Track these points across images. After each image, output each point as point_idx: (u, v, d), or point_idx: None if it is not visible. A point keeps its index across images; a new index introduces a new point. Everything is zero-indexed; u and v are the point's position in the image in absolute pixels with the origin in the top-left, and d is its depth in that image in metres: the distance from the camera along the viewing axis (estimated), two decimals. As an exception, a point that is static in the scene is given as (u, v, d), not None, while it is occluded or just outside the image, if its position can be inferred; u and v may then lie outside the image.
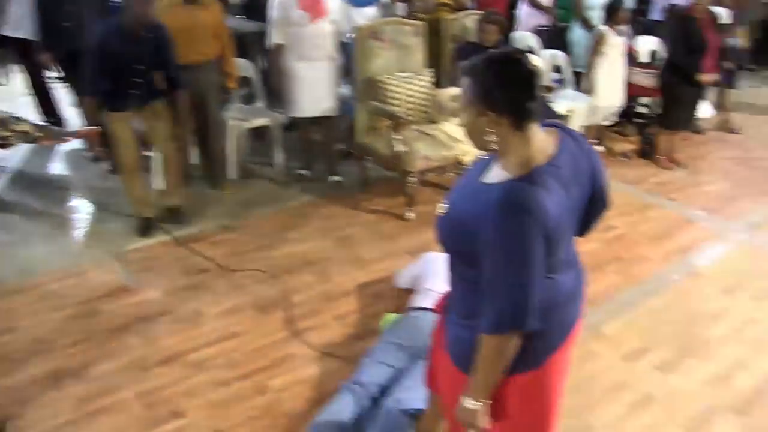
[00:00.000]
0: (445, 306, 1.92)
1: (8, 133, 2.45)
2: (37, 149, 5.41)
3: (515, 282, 1.53)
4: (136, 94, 3.87)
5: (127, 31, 3.70)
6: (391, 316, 3.19)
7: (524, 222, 1.49)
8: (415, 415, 2.49)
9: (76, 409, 2.77)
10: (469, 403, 1.71)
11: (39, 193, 4.72)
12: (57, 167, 5.18)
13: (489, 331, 1.59)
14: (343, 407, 2.57)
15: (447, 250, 1.74)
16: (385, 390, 2.65)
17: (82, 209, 4.53)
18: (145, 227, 4.16)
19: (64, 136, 2.81)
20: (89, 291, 3.58)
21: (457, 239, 1.67)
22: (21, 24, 5.05)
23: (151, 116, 4.03)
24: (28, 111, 5.49)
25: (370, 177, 4.82)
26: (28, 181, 4.94)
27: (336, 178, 4.86)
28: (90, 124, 3.83)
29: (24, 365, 3.01)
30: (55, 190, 4.77)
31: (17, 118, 2.49)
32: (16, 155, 5.28)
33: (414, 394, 2.54)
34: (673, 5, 6.34)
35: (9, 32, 5.31)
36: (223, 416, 2.73)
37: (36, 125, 2.53)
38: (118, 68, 3.75)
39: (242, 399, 2.82)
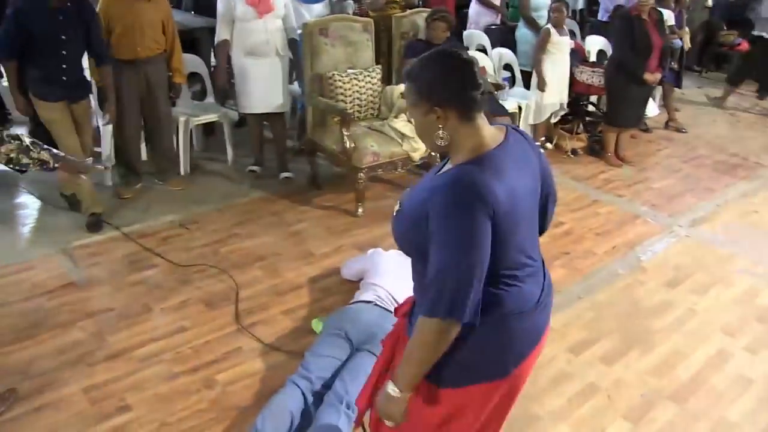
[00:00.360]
0: (408, 311, 1.87)
1: (29, 161, 2.44)
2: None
3: (458, 264, 1.48)
4: (64, 81, 3.88)
5: (50, 4, 3.72)
6: (319, 324, 3.22)
7: (470, 203, 1.47)
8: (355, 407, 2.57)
9: (16, 406, 2.75)
10: (392, 389, 1.65)
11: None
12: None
13: (424, 313, 1.54)
14: (290, 400, 2.62)
15: (404, 251, 1.71)
16: (328, 383, 2.71)
17: (28, 204, 4.48)
18: (95, 223, 4.14)
19: (82, 168, 2.78)
20: (34, 287, 3.56)
21: (410, 236, 1.65)
22: None
23: (80, 114, 4.04)
24: None
25: (320, 173, 4.87)
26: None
27: (287, 174, 4.91)
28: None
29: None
30: (1, 185, 4.70)
31: (37, 144, 2.47)
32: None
33: (354, 387, 2.60)
34: (619, 6, 6.53)
35: None
36: (170, 410, 2.75)
37: (55, 155, 2.52)
38: (44, 45, 3.76)
39: (190, 393, 2.85)
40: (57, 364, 2.99)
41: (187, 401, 2.80)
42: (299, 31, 4.68)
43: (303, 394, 2.65)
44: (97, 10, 4.10)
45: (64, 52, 3.84)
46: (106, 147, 4.68)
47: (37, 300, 3.45)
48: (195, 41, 5.63)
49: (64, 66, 3.86)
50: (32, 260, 3.80)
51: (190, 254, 3.89)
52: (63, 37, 3.80)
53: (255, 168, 4.98)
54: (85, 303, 3.44)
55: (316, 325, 3.24)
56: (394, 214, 1.73)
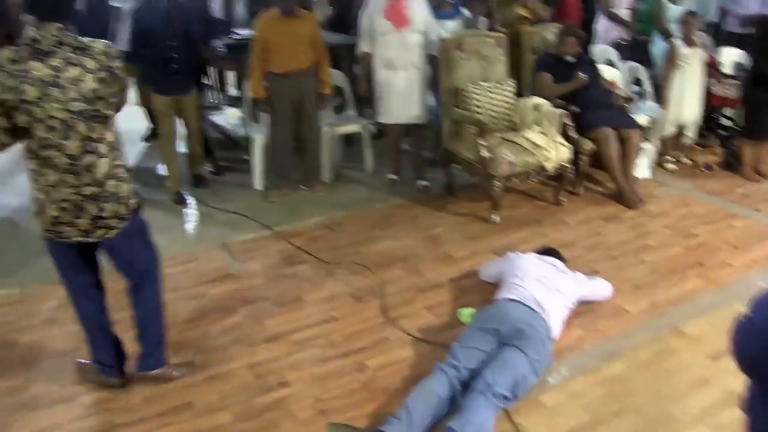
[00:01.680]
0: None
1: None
2: (150, 149, 5.94)
3: None
4: (173, 78, 4.62)
5: (164, 8, 4.49)
6: (466, 310, 3.44)
7: None
8: (503, 397, 2.69)
9: (193, 374, 3.07)
10: None
11: (154, 188, 5.14)
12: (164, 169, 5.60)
13: None
14: (438, 386, 2.78)
15: (752, 373, 1.41)
16: (475, 373, 2.85)
17: (192, 204, 4.94)
18: (178, 197, 4.92)
19: None
20: (200, 276, 3.93)
21: None
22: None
23: (187, 103, 4.81)
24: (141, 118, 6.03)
25: (455, 182, 5.04)
26: (144, 177, 5.38)
27: (423, 182, 5.11)
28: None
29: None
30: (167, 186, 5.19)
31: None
32: (133, 154, 5.77)
33: (501, 378, 2.73)
34: (749, 15, 6.30)
35: (124, 47, 5.82)
36: (325, 388, 2.98)
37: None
38: (154, 45, 4.50)
39: (342, 374, 3.07)
40: (223, 343, 3.31)
41: (340, 381, 3.02)
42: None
43: (450, 381, 2.80)
44: (255, 30, 4.61)
45: (176, 56, 4.54)
46: (255, 155, 5.06)
47: (202, 287, 3.81)
48: (335, 57, 5.97)
49: (173, 61, 4.55)
50: (196, 253, 4.20)
51: (336, 252, 4.15)
52: (170, 32, 4.47)
53: (393, 176, 5.22)
54: (244, 292, 3.76)
55: (462, 314, 3.41)
56: (739, 324, 1.43)
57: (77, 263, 2.76)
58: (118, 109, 2.62)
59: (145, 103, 5.89)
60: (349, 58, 5.81)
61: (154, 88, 4.74)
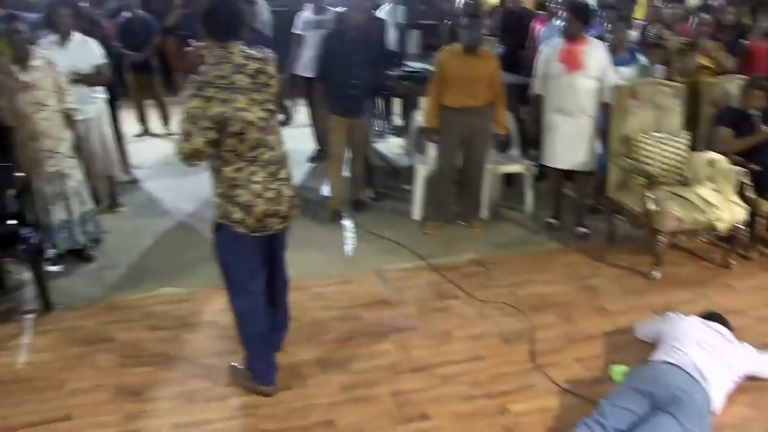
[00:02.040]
0: None
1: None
2: (314, 171, 6.26)
3: None
4: (352, 102, 4.94)
5: (349, 35, 4.88)
6: (618, 368, 3.30)
7: None
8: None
9: (339, 393, 3.20)
10: None
11: (316, 208, 5.43)
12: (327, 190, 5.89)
13: None
14: (582, 441, 2.71)
15: None
16: (622, 434, 2.74)
17: (349, 226, 5.14)
18: (336, 215, 5.21)
19: None
20: (354, 298, 4.09)
21: None
22: (308, 66, 5.95)
23: (358, 127, 5.07)
24: (307, 139, 6.41)
25: (616, 233, 4.87)
26: (307, 197, 5.68)
27: (583, 230, 4.99)
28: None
29: (300, 349, 3.53)
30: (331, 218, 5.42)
31: None
32: (299, 174, 6.12)
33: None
34: None
35: (299, 71, 6.26)
36: (466, 426, 2.98)
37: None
38: (339, 69, 4.89)
39: (484, 415, 3.05)
40: (370, 367, 3.41)
41: (481, 422, 3.01)
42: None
43: (595, 438, 2.71)
44: (435, 61, 4.78)
45: (356, 82, 4.85)
46: (417, 185, 5.18)
47: (356, 310, 3.95)
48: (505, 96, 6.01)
49: (353, 86, 4.87)
50: (352, 275, 4.38)
51: (489, 291, 4.15)
52: (354, 59, 4.77)
53: (552, 220, 5.15)
54: (394, 319, 3.86)
55: (614, 372, 3.30)
56: None
57: (261, 261, 3.04)
58: None
59: (316, 123, 6.27)
60: (517, 98, 5.82)
61: (332, 108, 5.09)
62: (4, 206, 4.16)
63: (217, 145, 2.72)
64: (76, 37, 4.88)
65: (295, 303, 3.88)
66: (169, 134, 7.54)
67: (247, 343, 3.14)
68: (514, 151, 5.55)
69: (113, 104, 5.71)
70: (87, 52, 4.91)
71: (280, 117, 6.19)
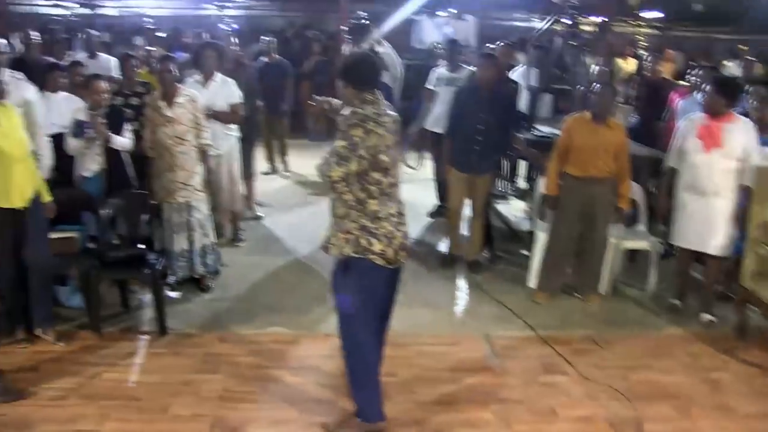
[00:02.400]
0: None
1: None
2: (433, 226, 6.27)
3: None
4: (474, 158, 5.01)
5: (479, 94, 4.97)
6: None
7: None
8: None
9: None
10: None
11: (428, 265, 5.42)
12: (444, 246, 5.86)
13: None
14: None
15: None
16: None
17: (460, 288, 5.08)
18: (449, 261, 5.32)
19: None
20: (458, 362, 4.00)
21: None
22: (438, 121, 6.00)
23: (480, 185, 5.13)
24: (431, 193, 6.44)
25: (749, 325, 4.51)
26: (423, 251, 5.71)
27: (709, 317, 4.65)
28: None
29: (397, 407, 3.47)
30: (441, 264, 5.43)
31: None
32: (416, 228, 6.14)
33: None
34: None
35: (429, 126, 6.35)
36: None
37: None
38: (466, 125, 5.02)
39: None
40: (465, 435, 3.31)
41: None
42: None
43: None
44: (562, 128, 4.70)
45: (481, 139, 4.95)
46: (535, 252, 5.05)
47: (459, 374, 3.87)
48: (635, 168, 5.78)
49: (478, 143, 4.95)
50: (459, 336, 4.31)
51: (600, 372, 3.93)
52: (482, 117, 4.87)
53: (675, 302, 4.84)
54: (498, 389, 3.74)
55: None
56: None
57: (383, 294, 3.17)
58: None
59: (439, 177, 6.33)
60: (649, 171, 5.60)
61: (455, 163, 5.15)
62: (137, 230, 4.44)
63: (363, 177, 2.88)
64: (218, 77, 5.20)
65: (397, 358, 3.90)
66: (287, 173, 8.11)
67: (361, 378, 3.19)
68: (641, 226, 5.31)
69: (249, 143, 6.01)
70: (225, 91, 5.22)
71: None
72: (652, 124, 6.21)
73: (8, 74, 4.22)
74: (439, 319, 4.54)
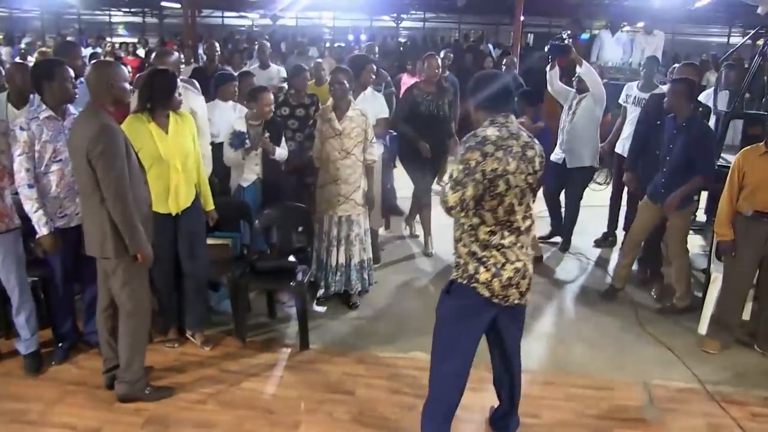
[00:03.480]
0: None
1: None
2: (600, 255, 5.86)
3: None
4: (660, 188, 4.66)
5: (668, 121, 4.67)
6: None
7: None
8: None
9: None
10: None
11: (586, 299, 5.07)
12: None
13: None
14: None
15: None
16: None
17: (622, 325, 4.68)
18: (612, 293, 5.04)
19: None
20: (609, 409, 3.65)
21: None
22: (623, 142, 5.82)
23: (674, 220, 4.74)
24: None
25: None
26: (584, 284, 5.42)
27: None
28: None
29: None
30: (602, 297, 5.09)
31: None
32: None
33: None
34: None
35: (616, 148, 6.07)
36: None
37: None
38: (649, 152, 4.93)
39: None
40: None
41: None
42: None
43: None
44: (734, 160, 4.21)
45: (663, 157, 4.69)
46: (710, 295, 4.50)
47: (609, 422, 3.53)
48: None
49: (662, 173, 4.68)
50: (615, 381, 3.93)
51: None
52: (670, 146, 4.61)
53: None
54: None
55: None
56: None
57: (482, 332, 2.98)
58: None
59: (614, 204, 6.25)
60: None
61: (644, 191, 4.91)
62: (291, 242, 4.50)
63: (479, 203, 2.73)
64: (368, 90, 5.24)
65: (543, 398, 3.68)
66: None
67: (432, 409, 2.98)
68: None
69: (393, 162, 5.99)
70: (373, 104, 5.19)
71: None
72: None
73: (181, 86, 4.45)
74: (593, 359, 4.18)
